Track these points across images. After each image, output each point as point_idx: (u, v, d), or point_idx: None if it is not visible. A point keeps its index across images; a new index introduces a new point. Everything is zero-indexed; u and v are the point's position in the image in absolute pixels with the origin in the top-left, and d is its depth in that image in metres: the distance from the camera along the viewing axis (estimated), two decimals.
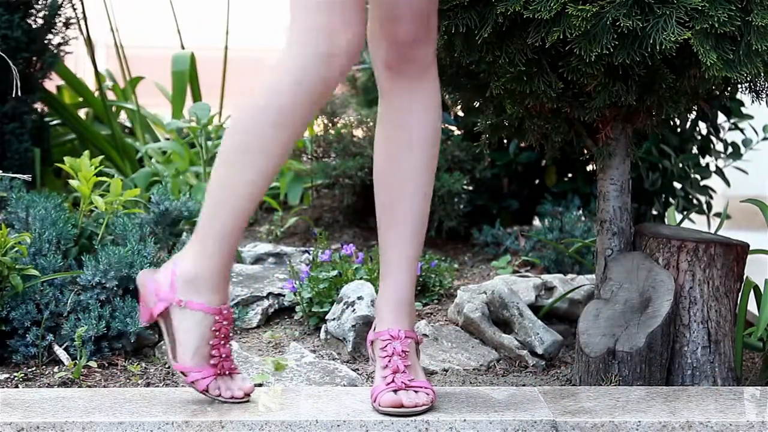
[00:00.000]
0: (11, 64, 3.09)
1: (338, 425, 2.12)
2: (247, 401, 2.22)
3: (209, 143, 3.93)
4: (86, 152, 2.86)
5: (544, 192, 3.76)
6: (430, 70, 2.26)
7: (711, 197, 3.74)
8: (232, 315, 2.22)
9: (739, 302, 2.56)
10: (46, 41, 3.74)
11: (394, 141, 2.27)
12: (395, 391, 2.16)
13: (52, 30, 3.75)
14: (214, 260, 2.19)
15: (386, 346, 2.22)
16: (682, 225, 3.38)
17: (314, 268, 2.93)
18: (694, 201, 3.75)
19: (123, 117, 4.57)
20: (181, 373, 2.20)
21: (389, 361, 2.20)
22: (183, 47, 4.62)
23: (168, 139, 4.20)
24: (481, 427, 2.13)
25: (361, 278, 2.93)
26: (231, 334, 2.24)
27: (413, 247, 2.27)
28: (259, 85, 2.15)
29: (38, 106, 3.87)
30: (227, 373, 2.21)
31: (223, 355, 2.20)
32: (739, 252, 2.51)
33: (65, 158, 2.84)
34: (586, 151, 2.62)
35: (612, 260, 2.58)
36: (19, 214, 2.87)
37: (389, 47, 2.23)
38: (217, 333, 2.20)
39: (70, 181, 2.88)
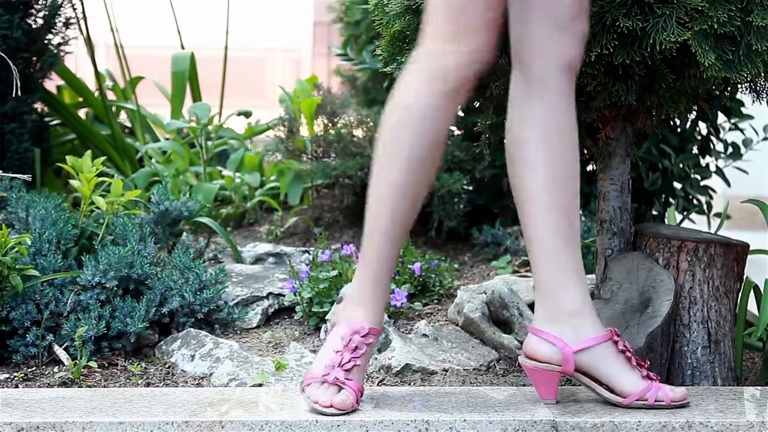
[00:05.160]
0: (11, 64, 3.09)
1: (338, 425, 2.12)
2: (331, 414, 2.14)
3: (209, 143, 3.93)
4: (88, 152, 2.86)
5: None
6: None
7: (711, 197, 3.73)
8: (352, 342, 2.22)
9: (739, 302, 2.56)
10: (46, 41, 3.74)
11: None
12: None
13: (52, 30, 3.75)
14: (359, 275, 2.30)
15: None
16: (682, 225, 3.38)
17: (314, 268, 2.93)
18: (694, 201, 3.75)
19: (123, 117, 4.57)
20: None
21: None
22: (183, 47, 4.62)
23: (168, 139, 4.20)
24: (481, 427, 2.13)
25: None
26: (349, 359, 2.21)
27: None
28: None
29: (38, 106, 3.87)
30: (336, 384, 2.18)
31: (335, 365, 2.20)
32: (739, 252, 2.51)
33: (67, 158, 2.84)
34: (586, 151, 2.61)
35: (612, 260, 2.58)
36: (19, 214, 2.87)
37: (576, 43, 2.23)
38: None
39: (71, 181, 2.88)
